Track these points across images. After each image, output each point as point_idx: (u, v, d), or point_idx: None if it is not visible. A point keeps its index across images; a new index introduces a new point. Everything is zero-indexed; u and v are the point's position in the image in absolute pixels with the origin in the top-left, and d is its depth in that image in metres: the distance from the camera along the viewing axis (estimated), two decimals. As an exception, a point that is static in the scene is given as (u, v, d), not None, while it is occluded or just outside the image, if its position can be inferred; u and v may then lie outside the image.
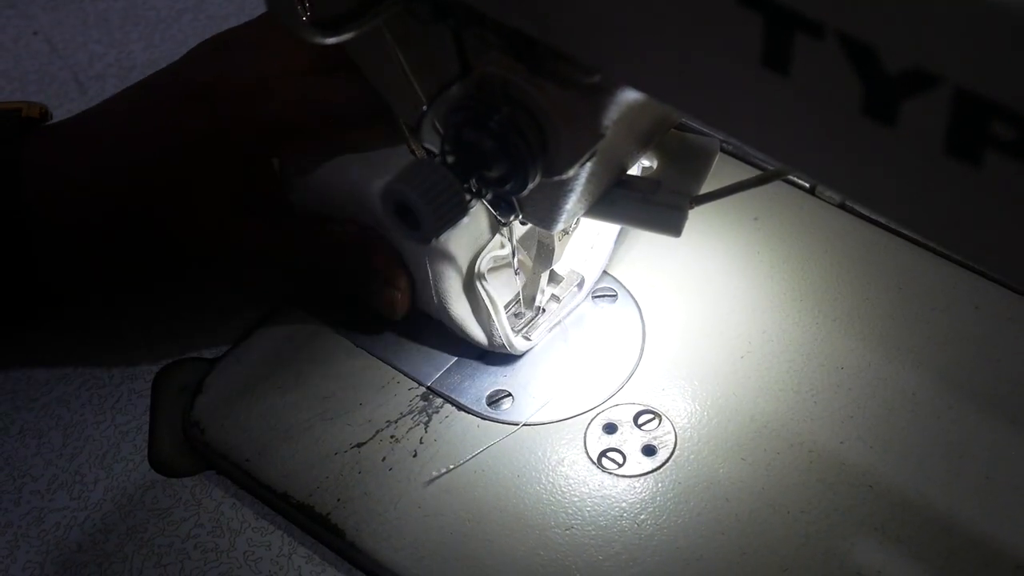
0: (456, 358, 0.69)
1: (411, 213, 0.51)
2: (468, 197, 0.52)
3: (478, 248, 0.65)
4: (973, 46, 0.36)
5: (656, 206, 0.58)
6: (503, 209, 0.58)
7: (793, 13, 0.38)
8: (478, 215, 0.65)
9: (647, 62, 0.46)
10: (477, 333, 0.68)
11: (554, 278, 0.69)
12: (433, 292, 0.66)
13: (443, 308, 0.67)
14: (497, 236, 0.66)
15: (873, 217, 0.71)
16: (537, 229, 0.65)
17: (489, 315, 0.66)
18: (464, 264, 0.66)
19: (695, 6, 0.41)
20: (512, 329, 0.69)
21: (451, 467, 0.65)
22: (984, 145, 0.36)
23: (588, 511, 0.61)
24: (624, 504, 0.61)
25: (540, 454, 0.64)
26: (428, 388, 0.66)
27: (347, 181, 0.69)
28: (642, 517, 0.60)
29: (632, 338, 0.68)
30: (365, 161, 0.68)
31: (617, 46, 0.47)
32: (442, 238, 0.57)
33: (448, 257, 0.65)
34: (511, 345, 0.68)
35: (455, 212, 0.51)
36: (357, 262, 0.69)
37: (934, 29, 0.36)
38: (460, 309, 0.66)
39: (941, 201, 0.40)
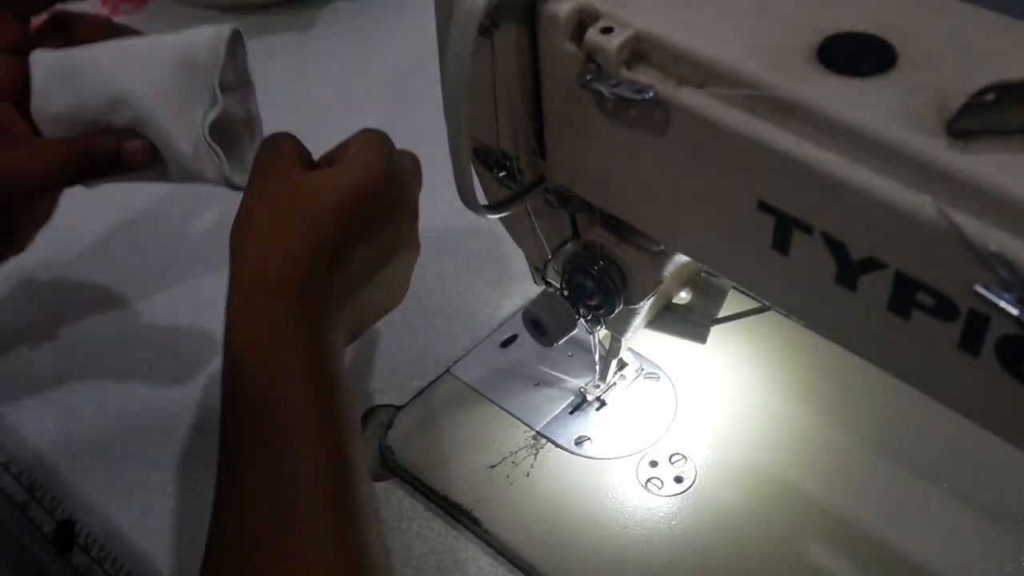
0: (556, 412, 0.67)
1: (541, 326, 0.54)
2: (576, 316, 0.54)
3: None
4: (907, 248, 0.37)
5: (690, 324, 0.61)
6: (595, 322, 0.58)
7: (793, 218, 0.40)
8: None
9: (694, 241, 0.48)
10: None
11: (621, 365, 0.68)
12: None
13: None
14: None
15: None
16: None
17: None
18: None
19: (731, 209, 0.43)
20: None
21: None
22: (911, 306, 0.38)
23: (638, 517, 0.61)
24: (661, 514, 0.61)
25: (609, 478, 0.63)
26: (537, 432, 0.66)
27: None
28: (673, 523, 0.61)
29: (669, 404, 0.67)
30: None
31: (675, 230, 0.48)
32: None
33: None
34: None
35: (569, 326, 0.55)
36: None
37: (882, 235, 0.38)
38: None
39: (886, 341, 0.41)
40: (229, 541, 0.49)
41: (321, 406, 0.51)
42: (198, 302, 0.77)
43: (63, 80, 0.59)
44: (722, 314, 0.61)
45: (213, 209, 0.83)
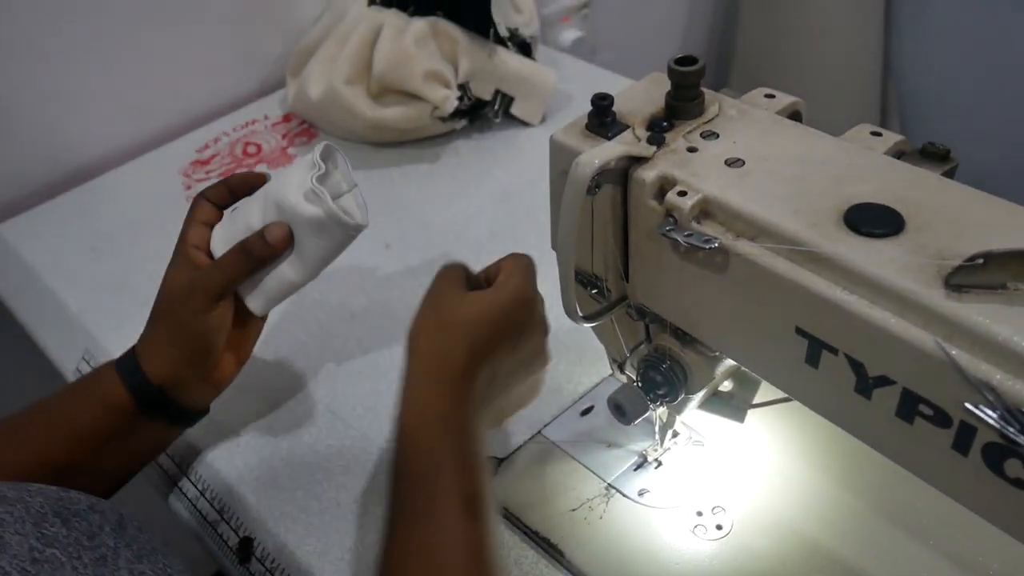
0: (623, 469, 0.66)
1: (621, 409, 0.55)
2: (649, 404, 0.55)
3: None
4: (913, 371, 0.38)
5: (731, 407, 0.60)
6: (662, 405, 0.58)
7: (823, 342, 0.41)
8: None
9: (744, 352, 0.48)
10: None
11: (674, 434, 0.66)
12: None
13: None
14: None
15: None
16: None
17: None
18: None
19: (774, 331, 0.44)
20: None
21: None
22: (914, 414, 0.39)
23: (686, 556, 0.60)
24: (704, 555, 0.60)
25: (664, 524, 0.62)
26: (608, 484, 0.65)
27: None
28: (714, 562, 0.60)
29: (712, 466, 0.65)
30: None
31: (728, 343, 0.48)
32: None
33: None
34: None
35: (644, 411, 0.55)
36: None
37: (893, 360, 0.39)
38: None
39: (894, 439, 0.41)
40: None
41: (467, 482, 0.51)
42: (350, 373, 0.78)
43: (228, 226, 0.64)
44: (756, 400, 0.60)
45: (361, 298, 0.85)
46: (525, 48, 1.06)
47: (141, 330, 0.75)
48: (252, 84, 1.16)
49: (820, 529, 0.61)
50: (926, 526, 0.60)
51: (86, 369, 0.83)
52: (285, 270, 0.63)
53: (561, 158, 0.50)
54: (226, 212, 0.66)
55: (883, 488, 0.63)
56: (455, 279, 0.57)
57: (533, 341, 0.57)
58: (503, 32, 1.02)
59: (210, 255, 0.64)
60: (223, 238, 0.64)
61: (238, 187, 0.66)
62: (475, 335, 0.53)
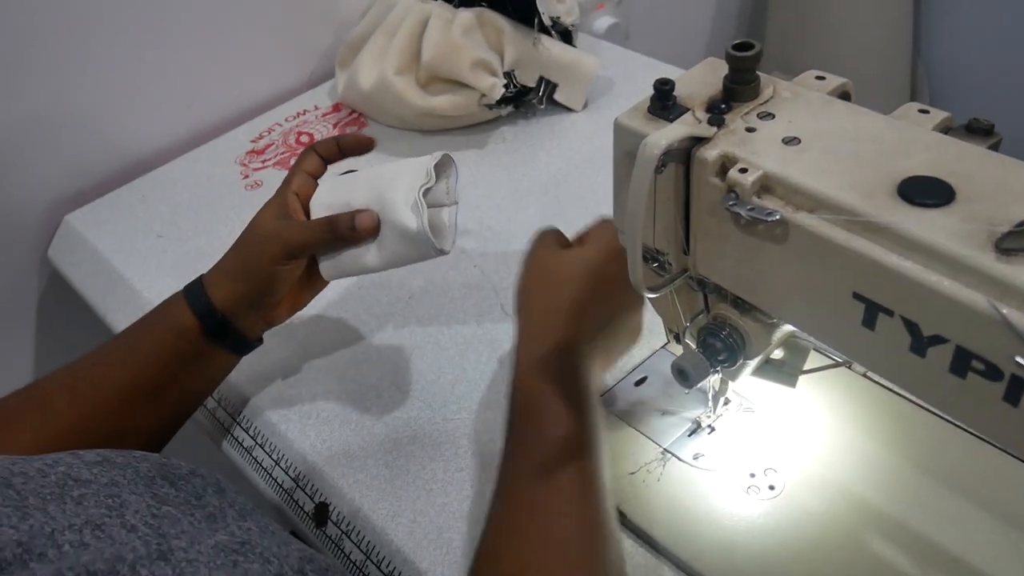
0: (678, 435, 0.68)
1: (684, 373, 0.57)
2: (710, 369, 0.58)
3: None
4: (966, 329, 0.41)
5: (783, 374, 0.61)
6: (723, 374, 0.60)
7: (879, 305, 0.44)
8: None
9: (803, 318, 0.50)
10: None
11: (726, 401, 0.69)
12: None
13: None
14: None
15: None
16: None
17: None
18: None
19: (832, 297, 0.46)
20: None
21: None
22: (968, 370, 0.41)
23: (741, 515, 0.62)
24: (757, 513, 0.62)
25: (719, 485, 0.65)
26: (664, 449, 0.67)
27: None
28: (767, 519, 0.62)
29: (764, 431, 0.68)
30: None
31: (789, 310, 0.50)
32: None
33: None
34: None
35: (705, 374, 0.57)
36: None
37: (947, 320, 0.41)
38: None
39: (948, 394, 0.42)
40: (499, 524, 0.54)
41: (578, 421, 0.56)
42: (411, 349, 0.81)
43: (332, 191, 0.67)
44: (806, 367, 0.62)
45: (419, 279, 0.88)
46: (567, 36, 1.09)
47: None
48: (302, 76, 1.19)
49: (868, 488, 0.63)
50: (969, 481, 0.62)
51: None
52: (364, 254, 0.67)
53: (625, 140, 0.53)
54: (338, 176, 0.69)
55: (926, 446, 0.65)
56: (551, 241, 0.62)
57: (626, 289, 0.60)
58: (546, 21, 1.04)
59: (306, 209, 0.67)
60: (323, 201, 0.67)
61: (348, 147, 0.69)
62: (576, 288, 0.58)
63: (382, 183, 0.66)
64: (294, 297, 0.70)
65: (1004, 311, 0.38)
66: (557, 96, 1.07)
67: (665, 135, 0.47)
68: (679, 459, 0.67)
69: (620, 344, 0.65)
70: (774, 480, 0.65)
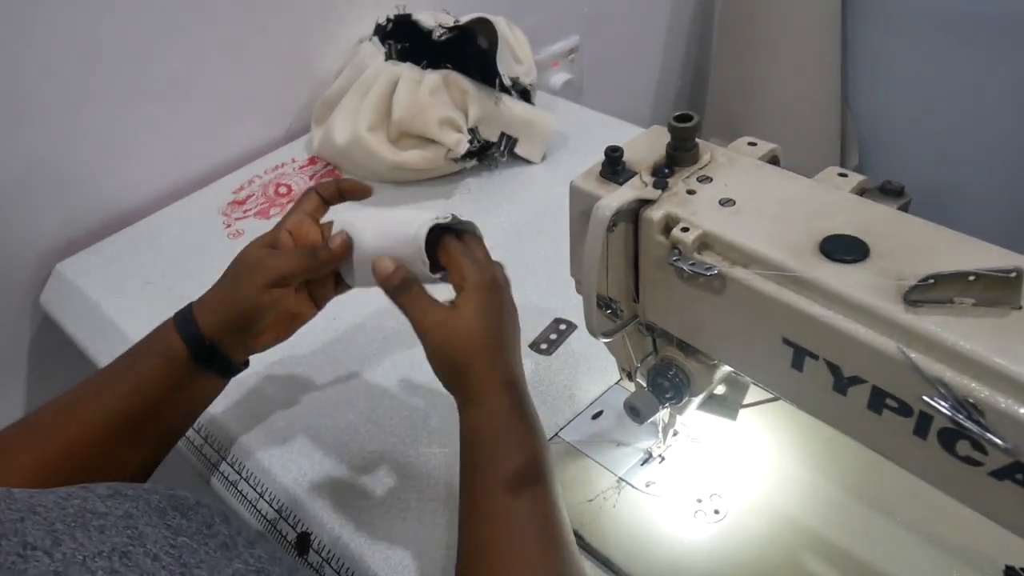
0: (631, 464, 0.70)
1: (635, 410, 0.59)
2: (659, 405, 0.60)
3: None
4: (880, 371, 0.43)
5: (725, 407, 0.64)
6: (670, 408, 0.62)
7: (806, 350, 0.46)
8: None
9: (739, 360, 0.53)
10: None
11: (675, 432, 0.70)
12: None
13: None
14: None
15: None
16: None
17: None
18: None
19: (764, 342, 0.48)
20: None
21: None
22: (883, 407, 0.44)
23: (690, 536, 0.64)
24: (705, 535, 0.64)
25: (670, 510, 0.66)
26: (619, 477, 0.69)
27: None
28: (714, 541, 0.64)
29: (709, 460, 0.69)
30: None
31: (726, 353, 0.53)
32: None
33: None
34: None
35: (654, 411, 0.59)
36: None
37: (864, 363, 0.44)
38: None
39: (866, 428, 0.45)
40: (470, 548, 0.55)
41: (524, 441, 0.58)
42: (385, 387, 0.82)
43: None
44: (746, 401, 0.64)
45: (391, 320, 0.89)
46: (525, 94, 1.12)
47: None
48: (280, 131, 1.21)
49: (803, 510, 0.66)
50: (892, 503, 0.64)
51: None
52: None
53: (580, 200, 0.56)
54: (375, 213, 0.67)
55: (855, 472, 0.67)
56: (422, 298, 0.61)
57: (507, 300, 0.63)
58: (506, 81, 1.08)
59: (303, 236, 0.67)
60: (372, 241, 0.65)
61: (349, 191, 0.69)
62: (485, 335, 0.59)
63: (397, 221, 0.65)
64: (280, 326, 0.69)
65: (911, 355, 0.41)
66: (517, 150, 1.10)
67: (616, 198, 0.50)
68: (633, 487, 0.69)
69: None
70: (719, 505, 0.67)
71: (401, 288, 0.61)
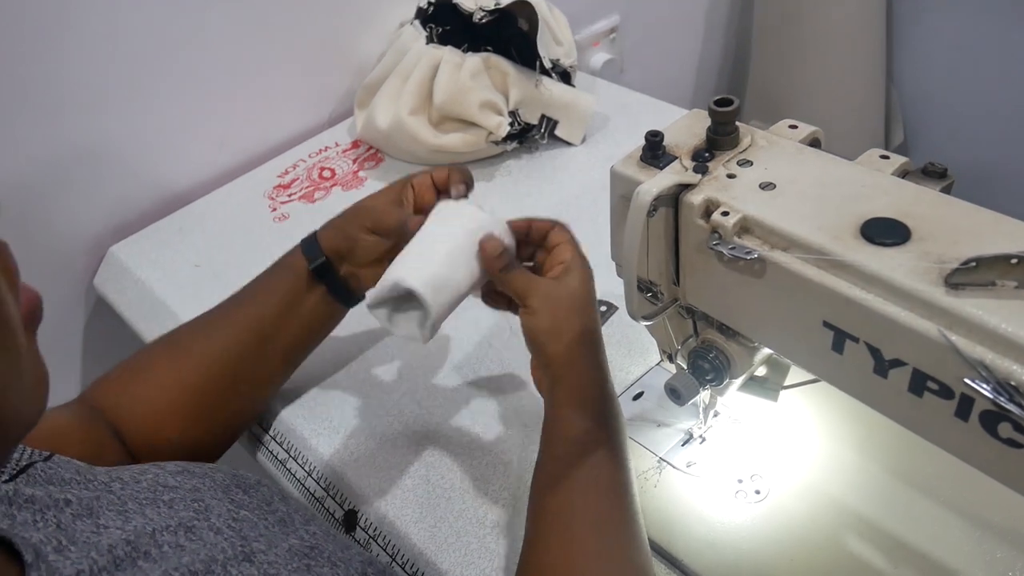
0: (672, 444, 0.70)
1: (676, 392, 0.60)
2: (699, 387, 0.61)
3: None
4: (921, 354, 0.43)
5: (766, 389, 0.65)
6: (711, 390, 0.62)
7: (846, 332, 0.46)
8: None
9: (780, 343, 0.53)
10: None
11: (716, 413, 0.71)
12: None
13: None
14: None
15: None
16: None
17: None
18: None
19: (804, 325, 0.49)
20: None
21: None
22: (923, 390, 0.44)
23: (730, 516, 0.65)
24: (745, 515, 0.65)
25: (709, 491, 0.66)
26: (660, 457, 0.69)
27: None
28: (754, 521, 0.64)
29: (750, 440, 0.69)
30: None
31: (767, 336, 0.53)
32: None
33: None
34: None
35: (695, 393, 0.60)
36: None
37: (905, 345, 0.44)
38: None
39: (907, 410, 0.45)
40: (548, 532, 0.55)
41: (612, 434, 0.58)
42: (429, 369, 0.84)
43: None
44: (787, 383, 0.65)
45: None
46: (566, 76, 1.12)
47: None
48: (323, 115, 1.22)
49: (844, 490, 0.66)
50: (934, 484, 0.64)
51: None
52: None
53: (620, 185, 0.56)
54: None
55: (896, 453, 0.67)
56: (527, 273, 0.63)
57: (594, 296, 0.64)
58: (547, 64, 1.08)
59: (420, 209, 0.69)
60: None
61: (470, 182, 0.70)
62: (585, 307, 0.61)
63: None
64: (372, 269, 0.70)
65: (952, 338, 0.42)
66: (558, 132, 1.11)
67: (656, 183, 0.51)
68: (673, 467, 0.70)
69: None
70: (760, 485, 0.67)
71: (510, 266, 0.63)
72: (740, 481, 0.67)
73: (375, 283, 0.66)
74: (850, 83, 1.71)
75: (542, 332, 0.60)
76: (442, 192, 0.69)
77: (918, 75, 1.74)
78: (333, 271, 0.71)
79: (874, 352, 0.46)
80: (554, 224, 0.65)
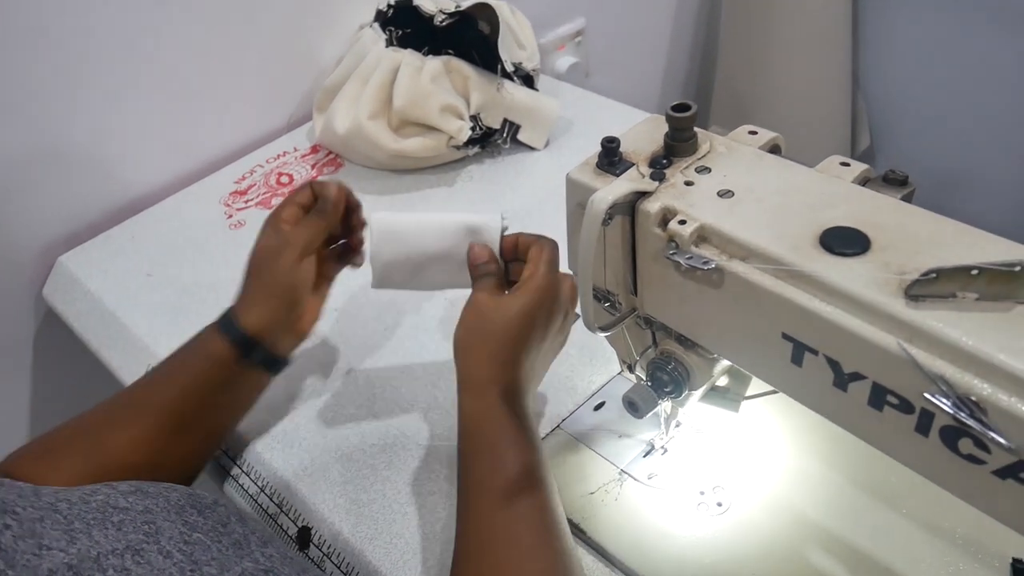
0: (633, 456, 0.69)
1: (634, 405, 0.59)
2: (658, 400, 0.59)
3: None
4: (881, 367, 0.42)
5: (727, 399, 0.63)
6: (671, 401, 0.61)
7: (806, 345, 0.45)
8: None
9: (738, 354, 0.52)
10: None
11: (677, 424, 0.69)
12: None
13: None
14: None
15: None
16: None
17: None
18: None
19: (763, 336, 0.47)
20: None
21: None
22: (884, 404, 0.43)
23: (692, 529, 0.63)
24: (708, 528, 0.63)
25: (671, 504, 0.65)
26: (621, 469, 0.68)
27: None
28: (716, 533, 0.63)
29: (712, 451, 0.68)
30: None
31: (725, 347, 0.52)
32: None
33: None
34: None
35: (654, 406, 0.59)
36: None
37: (864, 359, 0.43)
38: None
39: (867, 424, 0.44)
40: (467, 549, 0.55)
41: (531, 457, 0.57)
42: (387, 379, 0.82)
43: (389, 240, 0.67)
44: (748, 393, 0.64)
45: (393, 312, 0.89)
46: (528, 80, 1.11)
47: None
48: (281, 119, 1.20)
49: (808, 502, 0.65)
50: (899, 496, 0.63)
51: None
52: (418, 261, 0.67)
53: (576, 193, 0.55)
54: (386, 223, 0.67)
55: (861, 464, 0.66)
56: (490, 287, 0.62)
57: (558, 317, 0.62)
58: (509, 67, 1.07)
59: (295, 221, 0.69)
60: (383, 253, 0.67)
61: (340, 199, 0.70)
62: (514, 333, 0.58)
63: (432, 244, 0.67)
64: (312, 306, 0.71)
65: (912, 352, 0.41)
66: (520, 136, 1.09)
67: (611, 191, 0.49)
68: (635, 479, 0.68)
69: (546, 363, 0.66)
70: (722, 497, 0.66)
71: (489, 274, 0.62)
72: (702, 493, 0.66)
73: (313, 325, 0.71)
74: (817, 88, 1.71)
75: (456, 344, 0.60)
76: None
77: (884, 80, 1.74)
78: (263, 348, 0.68)
79: (833, 365, 0.45)
80: (538, 239, 0.63)
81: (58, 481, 0.60)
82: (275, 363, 0.70)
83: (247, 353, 0.67)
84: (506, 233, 0.67)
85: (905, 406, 0.42)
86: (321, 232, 0.68)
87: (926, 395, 0.40)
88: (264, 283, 0.67)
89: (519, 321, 0.58)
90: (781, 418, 0.71)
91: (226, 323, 0.67)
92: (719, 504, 0.65)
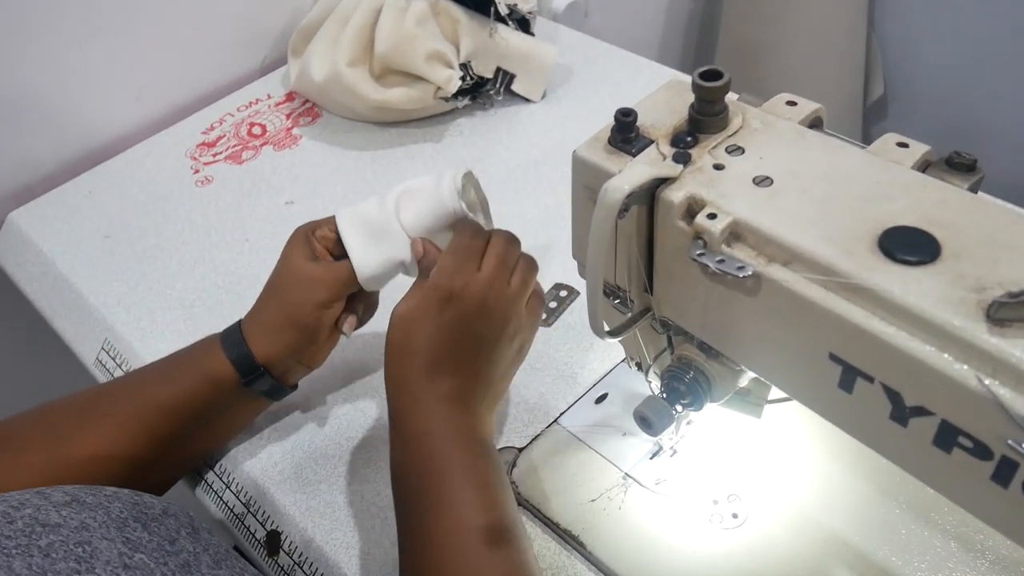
0: (639, 458, 0.64)
1: (646, 421, 0.52)
2: (675, 413, 0.53)
3: None
4: (953, 404, 0.36)
5: (749, 404, 0.57)
6: (688, 411, 0.55)
7: (859, 370, 0.39)
8: None
9: (773, 371, 0.46)
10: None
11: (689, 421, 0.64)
12: None
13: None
14: None
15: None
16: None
17: None
18: None
19: (805, 355, 0.41)
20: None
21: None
22: (953, 446, 0.37)
23: (704, 544, 0.59)
24: (721, 542, 0.59)
25: (681, 514, 0.61)
26: (625, 473, 0.63)
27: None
28: (730, 549, 0.58)
29: (728, 457, 0.63)
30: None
31: (757, 362, 0.46)
32: None
33: None
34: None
35: (669, 421, 0.53)
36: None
37: (932, 392, 0.37)
38: None
39: (930, 466, 0.39)
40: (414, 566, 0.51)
41: (467, 457, 0.53)
42: (365, 369, 0.76)
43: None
44: (770, 397, 0.57)
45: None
46: (524, 24, 1.02)
47: (158, 321, 0.73)
48: (254, 63, 1.11)
49: (834, 516, 0.59)
50: (934, 509, 0.59)
51: (106, 360, 0.80)
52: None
53: (584, 174, 0.47)
54: (357, 211, 0.63)
55: (894, 473, 0.59)
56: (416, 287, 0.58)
57: (497, 317, 0.56)
58: (502, 10, 0.98)
59: (332, 249, 0.64)
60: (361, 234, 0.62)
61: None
62: (430, 353, 0.54)
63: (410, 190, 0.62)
64: (333, 337, 0.65)
65: (995, 388, 0.34)
66: (515, 87, 1.01)
67: (628, 179, 0.42)
68: (640, 484, 0.63)
69: (502, 385, 0.61)
70: (737, 508, 0.61)
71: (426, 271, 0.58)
72: (715, 502, 0.61)
73: (326, 358, 0.66)
74: (829, 31, 1.62)
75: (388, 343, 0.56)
76: None
77: (902, 23, 1.65)
78: (270, 377, 0.63)
79: (892, 396, 0.38)
80: (498, 235, 0.58)
81: (19, 476, 0.55)
82: (280, 391, 0.65)
83: (251, 380, 0.62)
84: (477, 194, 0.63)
85: (982, 451, 0.36)
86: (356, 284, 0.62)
87: (1011, 442, 0.34)
88: (287, 313, 0.61)
89: (398, 325, 0.55)
90: (805, 419, 0.64)
91: (233, 341, 0.61)
92: (734, 516, 0.60)
